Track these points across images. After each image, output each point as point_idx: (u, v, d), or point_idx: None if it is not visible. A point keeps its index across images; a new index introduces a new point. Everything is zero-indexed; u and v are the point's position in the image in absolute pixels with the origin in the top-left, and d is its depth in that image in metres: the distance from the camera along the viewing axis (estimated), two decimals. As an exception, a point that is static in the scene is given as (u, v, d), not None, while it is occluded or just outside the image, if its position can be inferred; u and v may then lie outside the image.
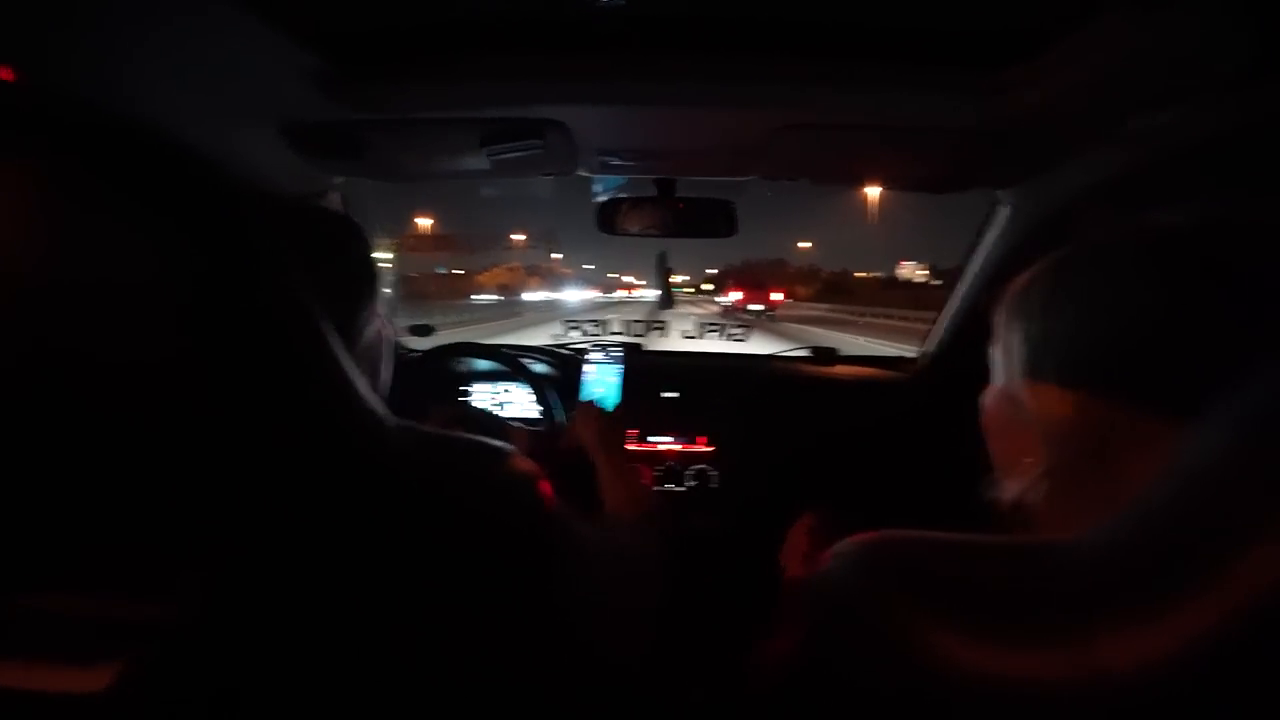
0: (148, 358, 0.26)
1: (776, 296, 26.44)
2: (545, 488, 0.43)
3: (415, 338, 1.74)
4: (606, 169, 1.17)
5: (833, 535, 0.45)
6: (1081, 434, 0.40)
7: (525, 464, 0.44)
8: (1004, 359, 0.46)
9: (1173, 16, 0.61)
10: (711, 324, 1.99)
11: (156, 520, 0.28)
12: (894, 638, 0.33)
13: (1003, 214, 1.20)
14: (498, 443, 0.44)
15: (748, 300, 26.16)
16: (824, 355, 1.73)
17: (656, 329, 2.10)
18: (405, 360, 1.53)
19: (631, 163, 1.13)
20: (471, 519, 0.38)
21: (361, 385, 0.37)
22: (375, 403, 0.38)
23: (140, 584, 0.30)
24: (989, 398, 0.48)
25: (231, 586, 0.31)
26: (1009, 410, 0.46)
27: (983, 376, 0.50)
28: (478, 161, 1.03)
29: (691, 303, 45.07)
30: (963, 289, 1.40)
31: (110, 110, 0.28)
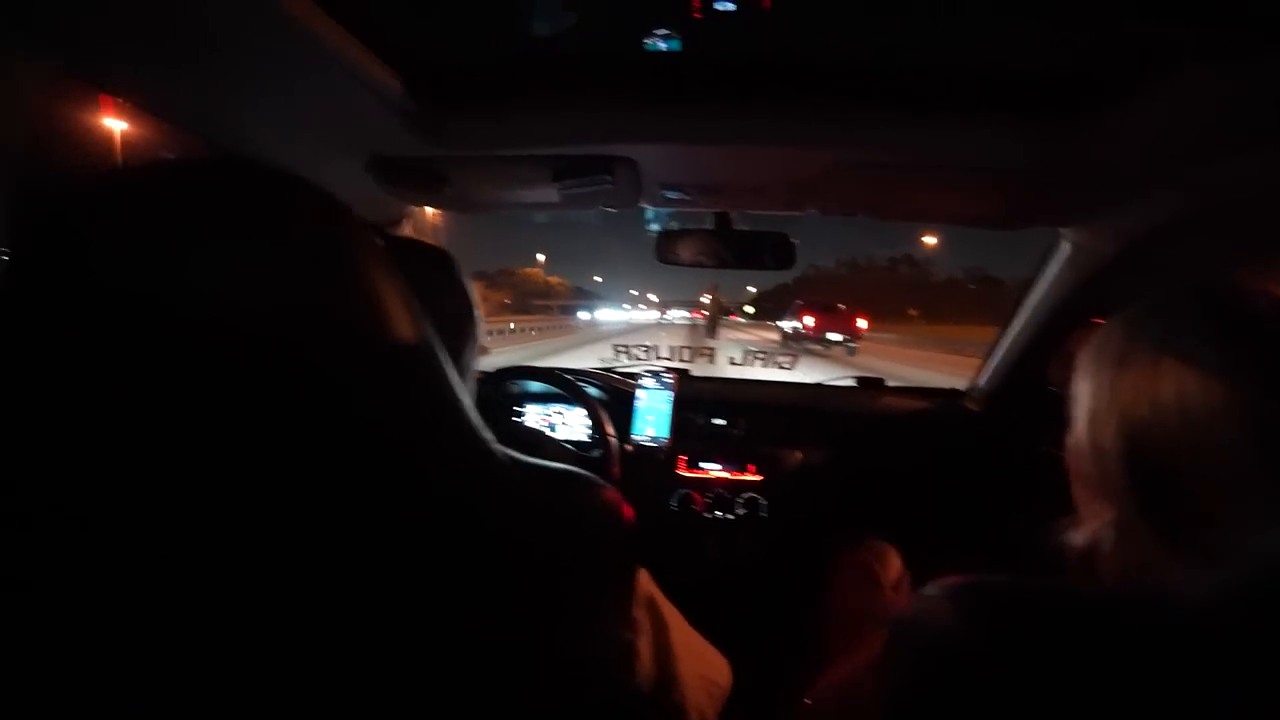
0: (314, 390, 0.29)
1: (861, 323, 19.80)
2: (629, 514, 0.44)
3: None
4: (666, 202, 1.21)
5: (908, 572, 0.43)
6: (1144, 491, 0.39)
7: (613, 493, 0.44)
8: (1075, 406, 0.46)
9: (1239, 68, 0.61)
10: (759, 351, 2.01)
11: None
12: (994, 688, 0.33)
13: (1064, 251, 1.19)
14: (588, 473, 0.44)
15: (822, 327, 19.21)
16: (870, 385, 1.72)
17: (704, 355, 2.13)
18: None
19: (690, 196, 1.18)
20: (571, 545, 0.39)
21: (475, 416, 0.38)
22: (487, 433, 0.39)
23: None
24: (1069, 442, 0.48)
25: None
26: (1077, 458, 0.46)
27: (1041, 417, 0.50)
28: (548, 194, 1.09)
29: (738, 328, 43.09)
30: (1019, 324, 1.38)
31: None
